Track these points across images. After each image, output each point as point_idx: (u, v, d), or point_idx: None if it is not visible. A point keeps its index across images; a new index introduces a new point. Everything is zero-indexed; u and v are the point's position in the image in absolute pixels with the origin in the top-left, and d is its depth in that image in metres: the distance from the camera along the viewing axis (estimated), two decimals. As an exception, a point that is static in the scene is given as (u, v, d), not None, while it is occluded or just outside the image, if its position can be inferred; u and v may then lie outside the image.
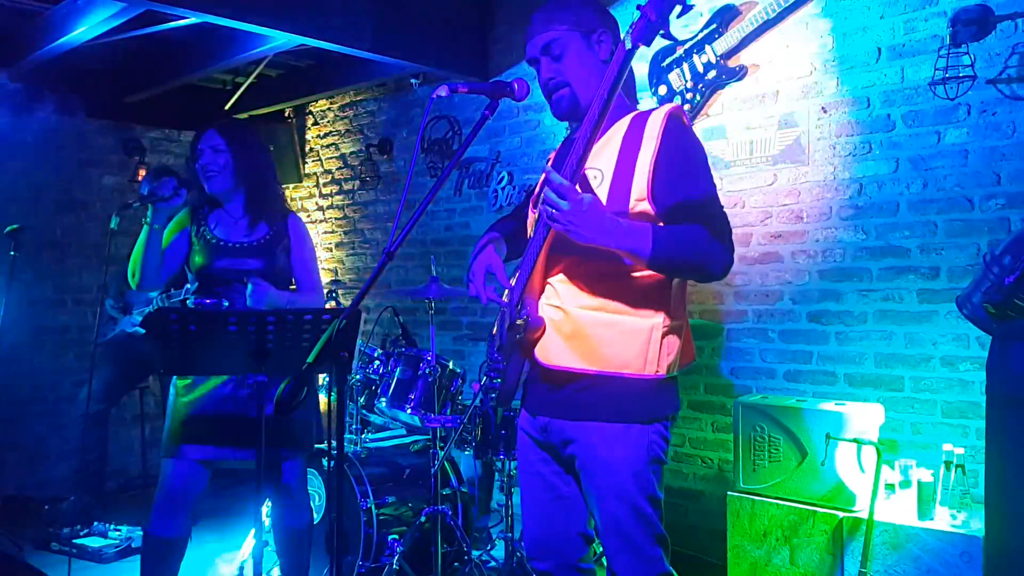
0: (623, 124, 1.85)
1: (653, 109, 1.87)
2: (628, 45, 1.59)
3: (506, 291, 1.97)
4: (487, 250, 2.02)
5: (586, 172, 1.81)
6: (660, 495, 1.86)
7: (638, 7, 1.56)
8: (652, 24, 1.54)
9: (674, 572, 1.89)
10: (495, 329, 2.07)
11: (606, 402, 1.81)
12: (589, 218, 1.64)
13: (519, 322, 1.84)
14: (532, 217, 2.01)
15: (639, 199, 1.78)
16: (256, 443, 2.24)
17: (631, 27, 1.58)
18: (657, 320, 1.81)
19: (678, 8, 1.54)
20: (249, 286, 2.58)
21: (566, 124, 2.03)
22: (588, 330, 1.80)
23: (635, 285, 1.81)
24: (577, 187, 1.69)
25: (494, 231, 2.13)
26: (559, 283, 1.85)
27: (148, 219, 2.57)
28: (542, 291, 1.87)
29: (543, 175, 2.09)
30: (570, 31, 1.88)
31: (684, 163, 1.79)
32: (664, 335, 1.81)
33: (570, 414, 1.86)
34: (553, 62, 1.89)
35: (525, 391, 1.98)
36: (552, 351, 1.83)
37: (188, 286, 2.76)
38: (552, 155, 2.15)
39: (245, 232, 2.72)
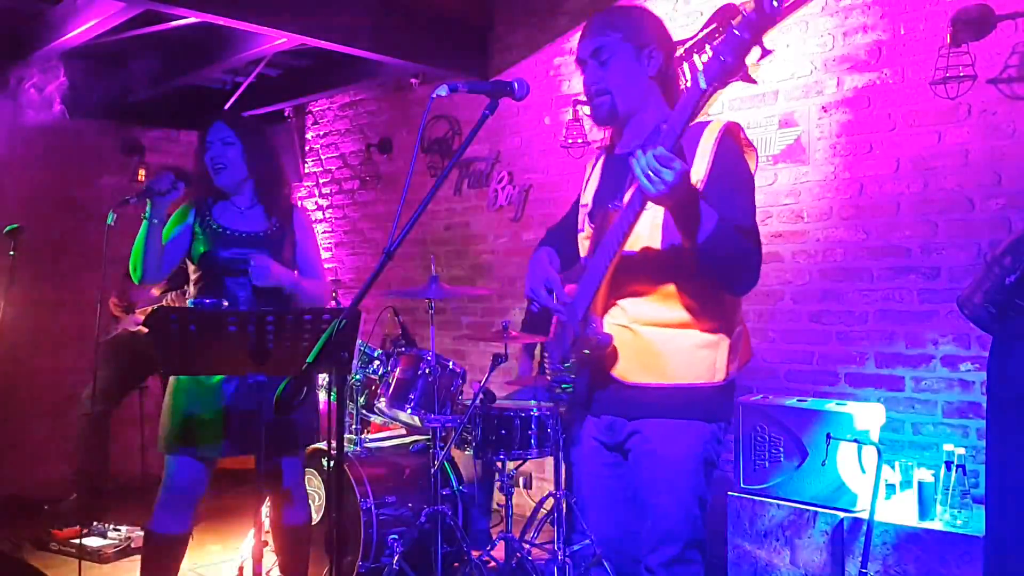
0: None
1: (708, 121, 1.86)
2: (703, 85, 1.57)
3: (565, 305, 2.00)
4: (543, 265, 2.04)
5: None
6: (708, 497, 1.91)
7: (711, 46, 1.56)
8: (726, 65, 1.53)
9: None
10: (555, 344, 2.09)
11: (672, 402, 1.86)
12: (680, 187, 1.61)
13: (589, 340, 1.87)
14: (588, 233, 2.01)
15: None
16: (256, 442, 2.23)
17: (704, 66, 1.57)
18: (722, 336, 1.87)
19: (757, 51, 1.52)
20: (251, 263, 2.57)
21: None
22: (659, 347, 1.85)
23: (701, 300, 1.84)
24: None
25: (546, 245, 2.16)
26: (627, 303, 1.88)
27: (147, 214, 2.56)
28: (605, 310, 1.90)
29: (589, 183, 2.07)
30: (623, 41, 1.90)
31: (733, 190, 1.80)
32: (730, 344, 1.88)
33: (634, 412, 1.90)
34: (599, 68, 1.91)
35: (589, 397, 2.00)
36: (626, 370, 1.88)
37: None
38: (596, 171, 2.10)
39: (251, 223, 2.72)
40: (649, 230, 1.81)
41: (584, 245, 2.03)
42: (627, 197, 1.79)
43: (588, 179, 2.11)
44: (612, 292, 1.88)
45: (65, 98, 4.62)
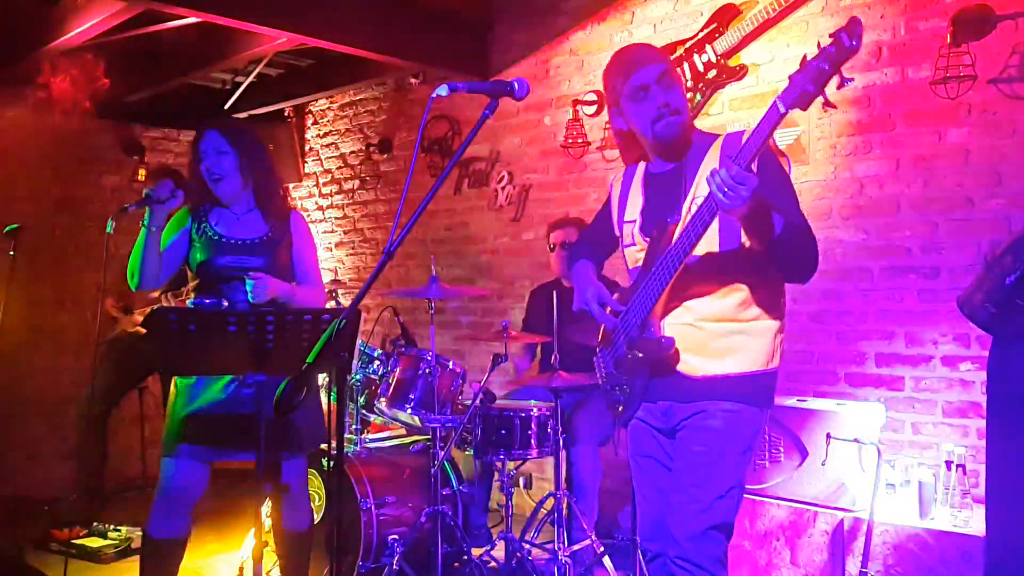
0: (715, 149, 2.02)
1: (743, 132, 2.00)
2: (781, 109, 1.69)
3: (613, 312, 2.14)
4: (592, 279, 2.22)
5: (695, 199, 1.96)
6: (744, 485, 2.04)
7: (790, 76, 1.69)
8: (807, 92, 1.66)
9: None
10: (607, 349, 2.20)
11: (732, 388, 2.00)
12: (752, 200, 1.75)
13: (651, 344, 2.01)
14: (641, 246, 2.12)
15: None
16: (255, 443, 2.23)
17: (783, 93, 1.69)
18: (777, 323, 2.05)
19: (836, 80, 1.64)
20: (248, 282, 2.54)
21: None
22: (721, 340, 2.00)
23: (758, 293, 2.01)
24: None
25: (586, 259, 2.33)
26: (693, 303, 2.02)
27: (145, 222, 2.55)
28: (667, 312, 2.03)
29: (630, 200, 2.20)
30: (672, 67, 2.10)
31: (781, 193, 1.97)
32: (781, 332, 2.06)
33: (691, 397, 2.02)
34: (665, 91, 2.04)
35: (646, 390, 2.11)
36: (694, 365, 2.01)
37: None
38: (637, 188, 2.19)
39: (248, 229, 2.70)
40: (708, 237, 1.93)
41: (637, 257, 2.15)
42: (689, 210, 1.96)
43: (627, 196, 2.22)
44: (674, 296, 2.01)
45: (97, 97, 4.60)
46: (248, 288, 2.55)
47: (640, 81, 2.05)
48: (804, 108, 1.69)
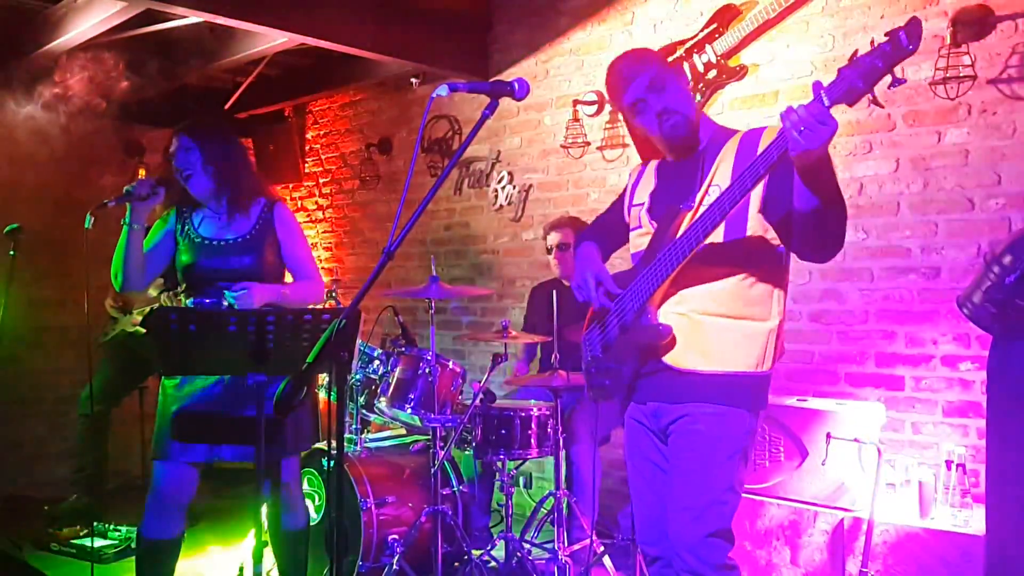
0: (733, 143, 2.01)
1: (763, 128, 2.01)
2: (826, 102, 1.64)
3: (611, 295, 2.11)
4: (594, 259, 2.20)
5: (709, 189, 1.96)
6: (738, 489, 2.01)
7: (839, 70, 1.64)
8: (856, 88, 1.62)
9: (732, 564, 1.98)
10: (597, 331, 2.18)
11: (719, 388, 1.96)
12: (826, 144, 1.68)
13: (647, 330, 1.98)
14: (647, 230, 2.11)
15: (757, 210, 1.95)
16: (252, 443, 2.22)
17: (829, 86, 1.64)
18: (773, 324, 1.99)
19: (888, 79, 1.60)
20: (229, 297, 2.52)
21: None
22: (712, 335, 1.96)
23: (755, 292, 1.98)
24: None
25: (590, 240, 2.30)
26: (687, 293, 1.99)
27: (127, 219, 2.56)
28: (663, 300, 2.00)
29: (641, 184, 2.21)
30: (663, 69, 2.06)
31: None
32: (776, 335, 2.00)
33: (682, 397, 1.99)
34: (659, 95, 2.03)
35: (633, 385, 2.09)
36: (679, 356, 1.97)
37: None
38: (650, 173, 2.20)
39: (230, 228, 2.68)
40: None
41: (640, 242, 2.13)
42: (702, 201, 1.94)
43: (639, 181, 2.22)
44: (672, 283, 1.98)
45: (113, 97, 4.58)
46: (232, 302, 2.52)
47: (633, 97, 2.05)
48: (851, 104, 1.63)
